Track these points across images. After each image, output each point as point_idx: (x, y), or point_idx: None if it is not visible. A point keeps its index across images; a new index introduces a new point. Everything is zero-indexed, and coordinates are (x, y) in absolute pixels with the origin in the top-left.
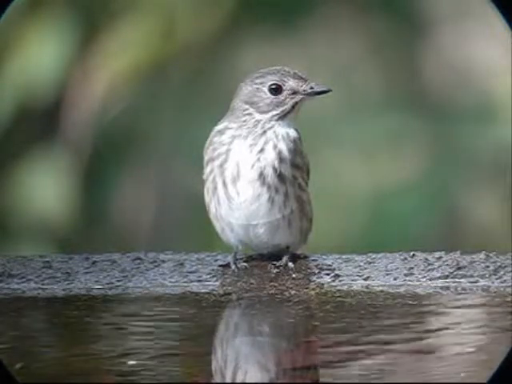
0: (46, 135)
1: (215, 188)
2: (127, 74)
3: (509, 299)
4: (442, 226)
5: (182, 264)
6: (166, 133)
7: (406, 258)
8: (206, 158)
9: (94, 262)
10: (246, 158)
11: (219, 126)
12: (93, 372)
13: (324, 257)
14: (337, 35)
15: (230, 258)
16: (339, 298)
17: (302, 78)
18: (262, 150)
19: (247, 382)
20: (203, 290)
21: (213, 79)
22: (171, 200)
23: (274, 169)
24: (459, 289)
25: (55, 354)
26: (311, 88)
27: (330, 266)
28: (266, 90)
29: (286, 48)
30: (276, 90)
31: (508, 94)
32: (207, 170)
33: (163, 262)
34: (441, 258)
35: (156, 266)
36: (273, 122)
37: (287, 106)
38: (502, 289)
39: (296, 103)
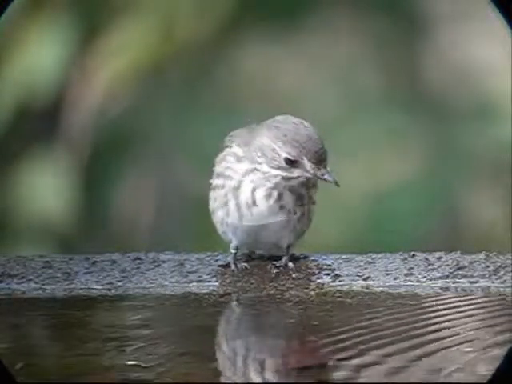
0: (46, 135)
1: (226, 203)
2: (127, 73)
3: (509, 299)
4: (442, 226)
5: (182, 264)
6: (166, 133)
7: (406, 258)
8: (217, 168)
9: (94, 262)
10: (262, 202)
11: (236, 149)
12: (93, 372)
13: (324, 257)
14: (337, 35)
15: (230, 258)
16: (339, 298)
17: (320, 161)
18: (280, 197)
19: (253, 372)
20: (203, 290)
21: (213, 79)
22: (171, 200)
23: (295, 201)
24: (459, 289)
25: (55, 354)
26: (322, 174)
27: (329, 266)
28: (281, 155)
29: (286, 48)
30: (291, 161)
31: (508, 93)
32: (218, 181)
33: (163, 262)
34: (441, 258)
35: (156, 266)
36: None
37: (293, 177)
38: (501, 289)
39: (302, 178)
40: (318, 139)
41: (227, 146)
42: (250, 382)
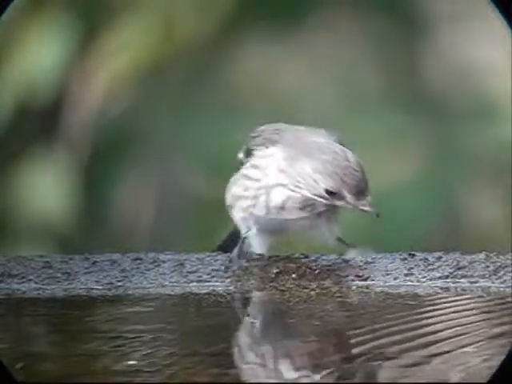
0: (46, 135)
1: (256, 196)
2: (127, 73)
3: (509, 299)
4: (442, 226)
5: (182, 264)
6: (165, 133)
7: (405, 258)
8: (256, 160)
9: (94, 262)
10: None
11: (279, 154)
12: (93, 372)
13: (324, 257)
14: (337, 35)
15: (234, 254)
16: (339, 298)
17: (360, 193)
18: (313, 209)
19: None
20: (203, 290)
21: (213, 79)
22: (171, 200)
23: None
24: (459, 289)
25: (55, 354)
26: (363, 205)
27: (330, 266)
28: (321, 186)
29: (286, 48)
30: (331, 193)
31: (508, 93)
32: (254, 172)
33: (163, 262)
34: (441, 258)
35: (156, 266)
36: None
37: (333, 204)
38: (501, 289)
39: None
40: (358, 171)
41: (265, 145)
42: (251, 382)
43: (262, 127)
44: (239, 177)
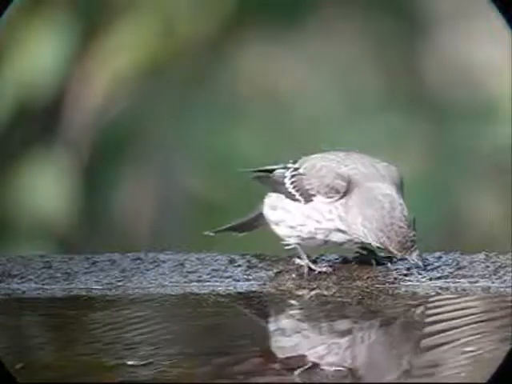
0: (46, 135)
1: (313, 237)
2: (127, 73)
3: (509, 299)
4: (442, 226)
5: (182, 264)
6: (166, 133)
7: (406, 258)
8: (319, 205)
9: (94, 262)
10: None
11: (340, 202)
12: (92, 372)
13: (324, 257)
14: (337, 35)
15: (303, 262)
16: (339, 298)
17: (405, 248)
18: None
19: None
20: (203, 290)
21: (213, 79)
22: (171, 200)
23: None
24: (459, 289)
25: (55, 354)
26: (410, 259)
27: (330, 265)
28: (371, 237)
29: (286, 48)
30: (379, 247)
31: (508, 93)
32: (314, 215)
33: (163, 262)
34: (441, 258)
35: (156, 266)
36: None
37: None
38: (501, 289)
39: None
40: (403, 227)
41: (327, 194)
42: (252, 382)
43: (312, 163)
44: (294, 210)
